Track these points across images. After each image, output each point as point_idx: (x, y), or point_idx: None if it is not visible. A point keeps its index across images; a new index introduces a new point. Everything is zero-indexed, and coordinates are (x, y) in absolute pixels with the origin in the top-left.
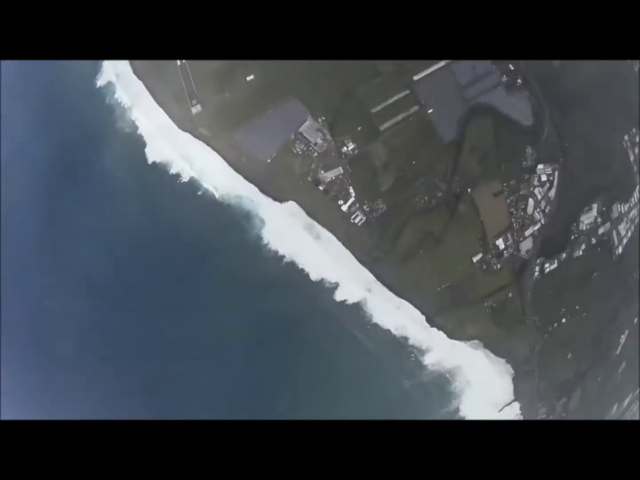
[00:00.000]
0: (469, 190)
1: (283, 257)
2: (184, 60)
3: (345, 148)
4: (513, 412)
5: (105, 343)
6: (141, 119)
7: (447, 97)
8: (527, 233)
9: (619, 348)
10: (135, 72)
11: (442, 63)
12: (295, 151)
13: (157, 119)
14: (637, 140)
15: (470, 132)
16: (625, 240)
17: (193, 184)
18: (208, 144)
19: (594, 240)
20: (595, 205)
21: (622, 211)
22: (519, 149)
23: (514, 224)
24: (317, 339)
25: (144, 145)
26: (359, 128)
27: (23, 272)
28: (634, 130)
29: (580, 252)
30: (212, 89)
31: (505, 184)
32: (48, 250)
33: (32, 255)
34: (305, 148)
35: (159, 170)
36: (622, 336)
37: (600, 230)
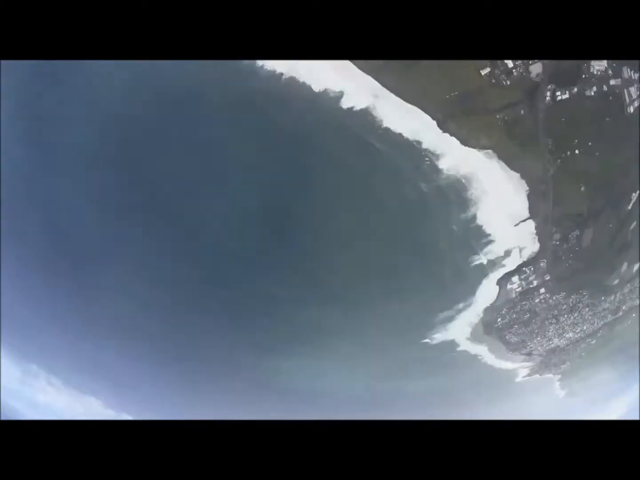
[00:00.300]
0: None
1: (282, 74)
2: None
3: None
4: (528, 230)
5: None
6: None
7: None
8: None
9: (631, 204)
10: None
11: None
12: None
13: None
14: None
15: None
16: (637, 103)
17: None
18: None
19: (605, 88)
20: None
21: (632, 77)
22: None
23: None
24: (328, 147)
25: None
26: None
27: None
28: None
29: (592, 93)
30: None
31: None
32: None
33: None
34: None
35: None
36: (634, 194)
37: (612, 82)
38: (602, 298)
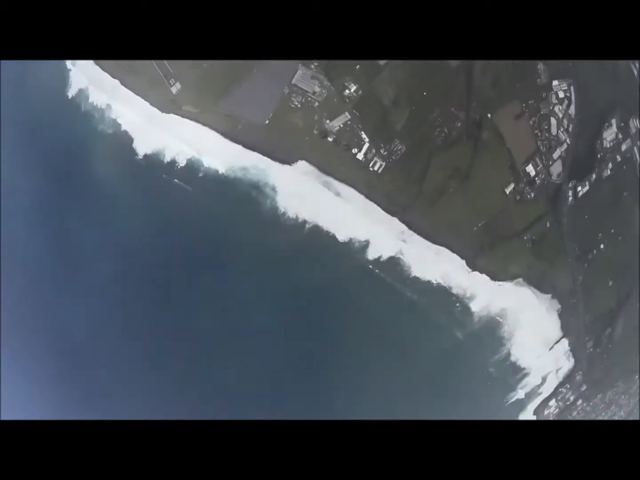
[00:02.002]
0: (489, 115)
1: (305, 222)
2: None
3: (347, 91)
4: (563, 349)
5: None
6: (121, 115)
7: None
8: (555, 155)
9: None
10: (105, 70)
11: None
12: (293, 105)
13: (137, 109)
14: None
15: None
16: None
17: (192, 167)
18: (197, 121)
19: (619, 158)
20: (614, 121)
21: (637, 125)
22: (531, 65)
23: (541, 147)
24: (358, 301)
25: (131, 140)
26: (357, 66)
27: (25, 280)
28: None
29: (609, 172)
30: (187, 63)
31: (524, 105)
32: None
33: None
34: (303, 100)
35: (153, 161)
36: None
37: (623, 147)
38: (636, 377)
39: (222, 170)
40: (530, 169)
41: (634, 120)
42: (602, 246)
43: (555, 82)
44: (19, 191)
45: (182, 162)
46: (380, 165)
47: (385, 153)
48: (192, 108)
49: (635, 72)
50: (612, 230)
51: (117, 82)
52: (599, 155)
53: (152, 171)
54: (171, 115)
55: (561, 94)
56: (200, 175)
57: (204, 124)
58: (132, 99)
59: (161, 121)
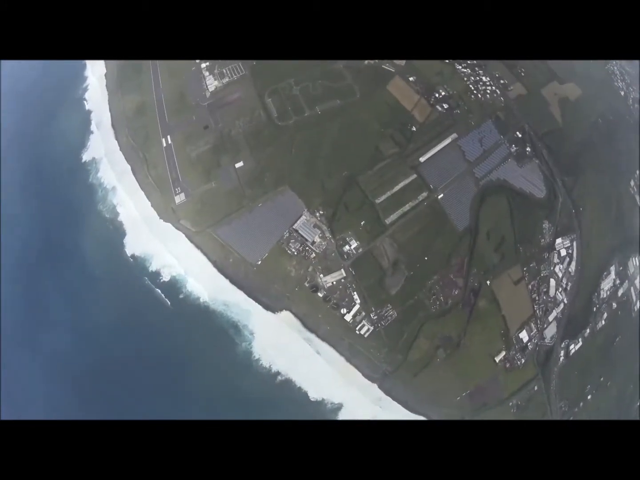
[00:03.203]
0: (488, 282)
1: (277, 374)
2: (169, 141)
3: (347, 247)
4: None
5: None
6: (122, 204)
7: (457, 178)
8: (550, 318)
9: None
10: (121, 149)
11: (449, 140)
12: (289, 251)
13: (138, 205)
14: None
15: (485, 214)
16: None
17: (175, 285)
18: (191, 240)
19: (614, 305)
20: (613, 268)
21: (637, 264)
22: (536, 225)
23: (537, 311)
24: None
25: (123, 234)
26: (362, 222)
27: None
28: (637, 172)
29: (603, 322)
30: (198, 176)
31: (525, 269)
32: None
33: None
34: (301, 248)
35: (138, 264)
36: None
37: (620, 292)
38: None
39: (203, 298)
40: (523, 335)
41: (633, 259)
42: (589, 397)
43: (559, 240)
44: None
45: (166, 277)
46: (368, 329)
47: (375, 317)
48: (190, 225)
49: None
50: (602, 379)
51: (128, 167)
52: (594, 309)
53: (135, 272)
54: (169, 224)
55: (563, 252)
56: (181, 296)
57: (197, 246)
58: (137, 191)
59: (157, 227)
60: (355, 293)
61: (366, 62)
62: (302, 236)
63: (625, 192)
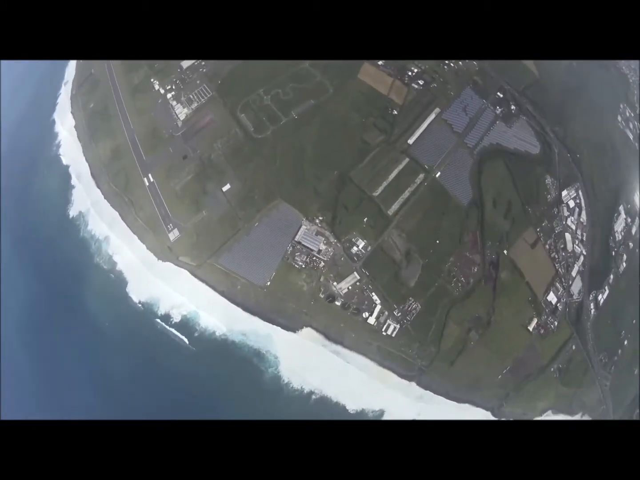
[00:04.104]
0: (505, 252)
1: (311, 393)
2: (151, 179)
3: (355, 248)
4: None
5: None
6: (118, 253)
7: (450, 152)
8: (573, 273)
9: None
10: (105, 197)
11: (433, 115)
12: (297, 265)
13: (134, 250)
14: (628, 114)
15: (487, 183)
16: None
17: (187, 323)
18: (194, 275)
19: (631, 245)
20: (621, 207)
21: None
22: (539, 182)
23: (560, 269)
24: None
25: (125, 282)
26: (364, 219)
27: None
28: (621, 106)
29: (624, 264)
30: (187, 209)
31: (538, 229)
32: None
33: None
34: (308, 259)
35: (147, 310)
36: None
37: (633, 230)
38: None
39: (220, 332)
40: (551, 297)
41: (638, 193)
42: (626, 342)
43: (564, 192)
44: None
45: (176, 318)
46: (394, 328)
47: (399, 314)
48: (189, 260)
49: (631, 135)
50: (634, 321)
51: (116, 214)
52: (613, 253)
53: (145, 318)
54: (168, 263)
55: (572, 203)
56: (196, 335)
57: (201, 280)
58: (130, 236)
59: (158, 268)
60: (373, 294)
61: None
62: (306, 247)
63: (614, 129)
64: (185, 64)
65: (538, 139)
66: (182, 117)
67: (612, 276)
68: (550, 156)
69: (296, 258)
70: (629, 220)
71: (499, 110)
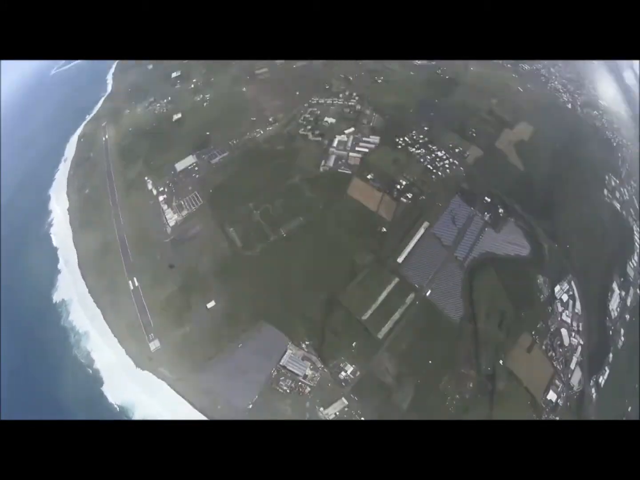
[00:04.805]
0: (501, 362)
1: None
2: (137, 283)
3: (343, 373)
4: None
5: None
6: (97, 350)
7: (441, 268)
8: (572, 365)
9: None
10: (90, 292)
11: (422, 230)
12: (281, 390)
13: (113, 352)
14: (613, 184)
15: (478, 295)
16: None
17: None
18: (173, 388)
19: (627, 317)
20: (614, 284)
21: (635, 265)
22: (532, 284)
23: (557, 366)
24: None
25: (101, 382)
26: (353, 344)
27: None
28: (606, 177)
29: (622, 339)
30: (170, 321)
31: (533, 332)
32: None
33: None
34: (293, 384)
35: (122, 413)
36: None
37: (628, 301)
38: None
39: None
40: (551, 395)
41: (630, 263)
42: (629, 409)
43: (557, 288)
44: None
45: None
46: None
47: None
48: (169, 373)
49: (618, 205)
50: (636, 385)
51: (99, 312)
52: (610, 332)
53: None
54: (147, 372)
55: (565, 297)
56: None
57: (180, 394)
58: (110, 337)
59: (136, 374)
60: (363, 419)
61: (321, 169)
62: (291, 372)
63: (601, 204)
64: (180, 166)
65: (527, 239)
66: (171, 222)
67: (611, 355)
68: (540, 254)
69: (281, 383)
70: (623, 293)
71: (487, 216)
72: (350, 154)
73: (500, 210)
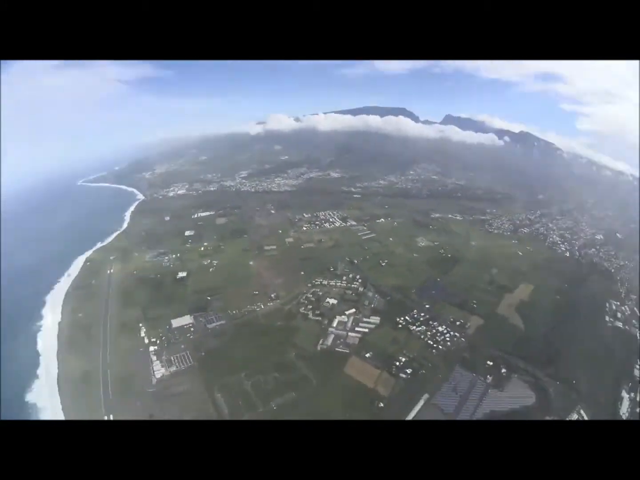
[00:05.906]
0: None
1: None
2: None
3: None
4: None
5: None
6: None
7: None
8: None
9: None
10: (64, 410)
11: (422, 402)
12: None
13: None
14: (614, 307)
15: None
16: None
17: None
18: None
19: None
20: (623, 392)
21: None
22: None
23: None
24: None
25: None
26: None
27: None
28: (607, 305)
29: None
30: None
31: None
32: None
33: None
34: None
35: None
36: None
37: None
38: None
39: None
40: None
41: (637, 365)
42: None
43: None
44: None
45: None
46: None
47: None
48: None
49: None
50: None
51: None
52: None
53: None
54: None
55: None
56: None
57: None
58: None
59: None
60: None
61: (318, 347)
62: None
63: (604, 329)
64: (176, 323)
65: (532, 389)
66: (158, 375)
67: None
68: (547, 399)
69: None
70: (632, 394)
71: (489, 379)
72: (350, 333)
73: (503, 370)
